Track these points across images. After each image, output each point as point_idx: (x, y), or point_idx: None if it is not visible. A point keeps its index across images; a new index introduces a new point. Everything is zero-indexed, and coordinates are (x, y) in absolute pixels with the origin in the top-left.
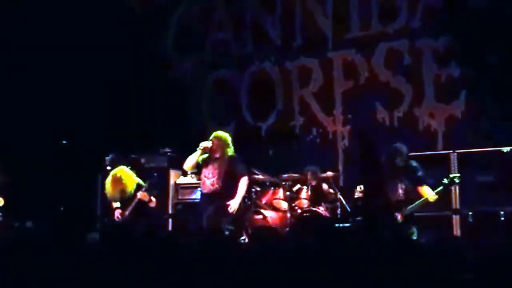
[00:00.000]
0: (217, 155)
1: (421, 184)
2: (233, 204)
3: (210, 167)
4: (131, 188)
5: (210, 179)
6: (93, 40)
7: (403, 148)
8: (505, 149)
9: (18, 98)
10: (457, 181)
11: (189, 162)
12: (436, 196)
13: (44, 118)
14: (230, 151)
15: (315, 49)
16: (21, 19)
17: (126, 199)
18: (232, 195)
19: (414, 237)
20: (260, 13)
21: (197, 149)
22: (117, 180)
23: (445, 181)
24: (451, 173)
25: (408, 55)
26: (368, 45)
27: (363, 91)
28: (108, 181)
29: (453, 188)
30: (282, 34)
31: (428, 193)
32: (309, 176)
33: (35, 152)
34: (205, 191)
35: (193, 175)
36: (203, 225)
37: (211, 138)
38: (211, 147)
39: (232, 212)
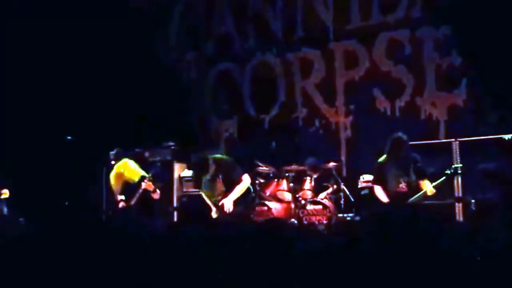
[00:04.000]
0: (210, 175)
1: (422, 177)
2: (226, 204)
3: (210, 186)
4: (134, 180)
5: (214, 197)
6: (96, 36)
7: (403, 138)
8: (507, 136)
9: (21, 94)
10: (459, 171)
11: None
12: (434, 190)
13: (48, 114)
14: (210, 160)
15: (316, 40)
16: (25, 16)
17: (130, 192)
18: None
19: None
20: (261, 5)
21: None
22: (121, 173)
23: (448, 171)
24: (454, 164)
25: (409, 44)
26: (369, 35)
27: (365, 82)
28: (112, 175)
29: (455, 177)
30: (284, 26)
31: (427, 186)
32: (308, 169)
33: (40, 148)
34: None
35: None
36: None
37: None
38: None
39: (230, 210)
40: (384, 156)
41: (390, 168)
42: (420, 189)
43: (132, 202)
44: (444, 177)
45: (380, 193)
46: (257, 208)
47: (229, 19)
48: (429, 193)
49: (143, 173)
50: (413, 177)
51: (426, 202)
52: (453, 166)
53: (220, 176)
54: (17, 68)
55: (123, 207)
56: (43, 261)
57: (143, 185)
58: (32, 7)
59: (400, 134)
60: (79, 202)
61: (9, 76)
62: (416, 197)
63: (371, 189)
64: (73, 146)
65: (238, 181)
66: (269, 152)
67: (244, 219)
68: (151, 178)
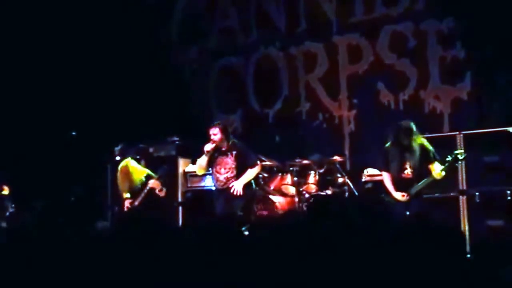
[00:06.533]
0: (224, 148)
1: (430, 161)
2: (236, 186)
3: (220, 161)
4: (139, 179)
5: (223, 175)
6: (99, 30)
7: (409, 125)
8: (511, 129)
9: (25, 90)
10: (460, 157)
11: (201, 167)
12: (443, 173)
13: (52, 109)
14: (232, 138)
15: (319, 33)
16: (28, 11)
17: (135, 190)
18: (245, 186)
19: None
20: None
21: (205, 150)
22: (124, 173)
23: (449, 158)
24: (455, 150)
25: (413, 37)
26: (372, 28)
27: (368, 75)
28: (118, 175)
29: (459, 167)
30: (287, 19)
31: (435, 170)
32: (312, 164)
33: (44, 143)
34: (220, 186)
35: None
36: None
37: (212, 132)
38: (215, 141)
39: (237, 194)
40: (389, 142)
41: (395, 153)
42: (428, 174)
43: (137, 202)
44: (446, 164)
45: (387, 182)
46: (261, 202)
47: (231, 12)
48: (437, 177)
49: (148, 171)
50: (418, 163)
51: (430, 195)
52: (454, 152)
53: (234, 153)
54: (20, 64)
55: (128, 207)
56: (44, 260)
57: (151, 183)
58: (34, 3)
59: (403, 122)
60: (84, 197)
61: (13, 72)
62: (422, 183)
63: (375, 183)
64: (77, 141)
65: (252, 166)
66: (273, 146)
67: (248, 213)
68: (158, 178)
